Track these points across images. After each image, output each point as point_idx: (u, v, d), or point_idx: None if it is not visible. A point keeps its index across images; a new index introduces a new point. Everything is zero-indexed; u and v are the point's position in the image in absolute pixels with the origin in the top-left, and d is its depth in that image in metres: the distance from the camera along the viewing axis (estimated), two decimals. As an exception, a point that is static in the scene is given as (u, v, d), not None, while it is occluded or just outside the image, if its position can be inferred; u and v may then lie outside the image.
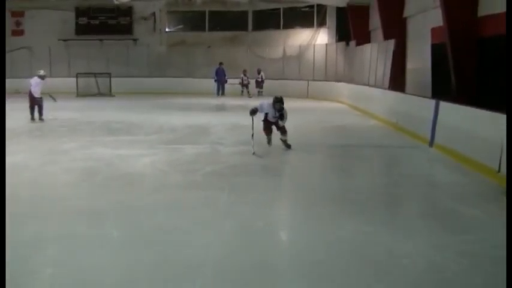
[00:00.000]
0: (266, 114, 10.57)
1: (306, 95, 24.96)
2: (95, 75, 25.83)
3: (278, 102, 10.41)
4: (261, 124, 10.66)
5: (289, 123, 10.76)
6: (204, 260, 4.99)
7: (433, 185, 8.47)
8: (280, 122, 10.58)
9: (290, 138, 10.81)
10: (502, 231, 5.98)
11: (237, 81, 25.59)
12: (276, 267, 4.99)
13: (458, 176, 8.82)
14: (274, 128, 10.81)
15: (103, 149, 10.69)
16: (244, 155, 9.81)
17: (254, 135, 10.24)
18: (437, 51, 14.37)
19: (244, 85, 25.65)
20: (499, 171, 8.31)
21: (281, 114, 10.45)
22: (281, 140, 10.84)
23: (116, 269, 4.80)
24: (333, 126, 15.21)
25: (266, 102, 10.75)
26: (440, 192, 7.96)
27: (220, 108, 21.28)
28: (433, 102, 11.63)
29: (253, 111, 10.48)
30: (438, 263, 5.06)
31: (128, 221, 6.14)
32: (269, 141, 10.96)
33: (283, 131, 10.72)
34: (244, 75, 25.64)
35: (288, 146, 10.81)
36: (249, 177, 8.35)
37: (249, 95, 25.02)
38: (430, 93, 14.71)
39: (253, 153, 9.98)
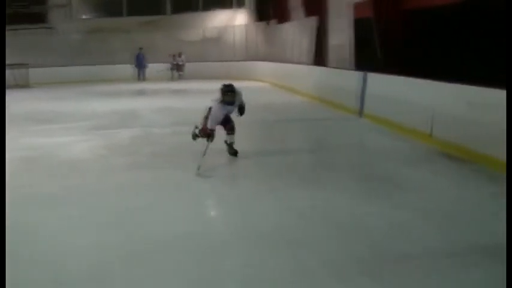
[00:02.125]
0: (210, 108, 7.70)
1: (228, 76, 24.87)
2: (10, 66, 24.72)
3: (229, 92, 7.62)
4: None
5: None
6: (169, 235, 4.96)
7: (371, 151, 8.66)
8: (235, 115, 7.99)
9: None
10: (447, 188, 6.30)
11: (165, 66, 25.19)
12: (241, 237, 4.98)
13: (394, 141, 9.08)
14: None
15: (37, 138, 10.25)
16: (180, 135, 9.67)
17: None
18: (360, 26, 14.60)
19: (177, 67, 25.33)
20: (431, 134, 8.59)
21: (241, 107, 7.90)
22: (226, 143, 8.01)
23: (82, 251, 4.66)
24: (260, 104, 15.13)
25: (213, 106, 7.62)
26: (379, 157, 8.18)
27: (144, 93, 20.96)
28: (361, 74, 11.86)
29: (208, 135, 7.54)
30: (397, 220, 5.26)
31: (84, 204, 5.98)
32: (195, 136, 8.16)
33: (230, 129, 7.92)
34: (179, 56, 25.31)
35: (235, 153, 7.99)
36: (191, 155, 8.26)
37: (179, 77, 24.84)
38: (353, 68, 14.97)
39: (198, 169, 6.99)
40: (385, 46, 12.38)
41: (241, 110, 7.92)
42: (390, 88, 10.44)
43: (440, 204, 5.80)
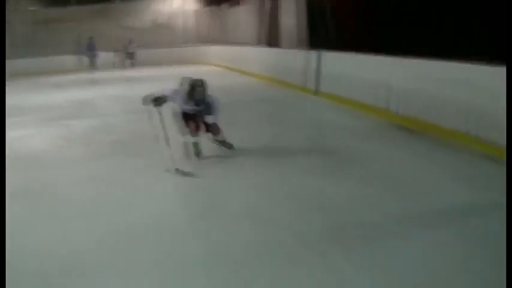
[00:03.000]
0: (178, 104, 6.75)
1: (180, 61, 24.67)
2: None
3: (199, 87, 6.56)
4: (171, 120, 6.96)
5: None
6: (136, 222, 4.91)
7: (328, 127, 8.67)
8: (209, 118, 6.78)
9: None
10: (404, 158, 6.49)
11: (118, 54, 24.76)
12: (215, 215, 4.99)
13: (351, 118, 9.17)
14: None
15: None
16: (139, 123, 9.49)
17: (170, 138, 6.58)
18: (312, 6, 14.58)
19: (128, 54, 24.92)
20: (388, 109, 8.69)
21: (208, 104, 6.70)
22: (216, 141, 7.10)
23: (64, 242, 4.59)
24: (215, 87, 14.97)
25: (173, 88, 6.70)
26: (337, 133, 8.22)
27: (97, 82, 20.52)
28: (315, 53, 11.88)
29: (157, 100, 6.45)
30: (358, 191, 5.40)
31: (57, 196, 5.84)
32: (197, 149, 6.95)
33: (214, 129, 6.92)
34: (130, 43, 24.88)
35: (230, 146, 7.13)
36: (152, 142, 8.12)
37: (131, 65, 24.47)
38: (307, 48, 14.99)
39: (177, 170, 6.23)
40: (338, 25, 12.43)
41: (208, 109, 6.69)
42: (345, 66, 10.51)
43: (398, 173, 5.97)
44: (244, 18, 19.94)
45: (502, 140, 6.22)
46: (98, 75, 22.51)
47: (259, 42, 17.56)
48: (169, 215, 5.07)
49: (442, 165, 6.21)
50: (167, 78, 17.92)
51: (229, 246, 4.28)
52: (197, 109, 6.66)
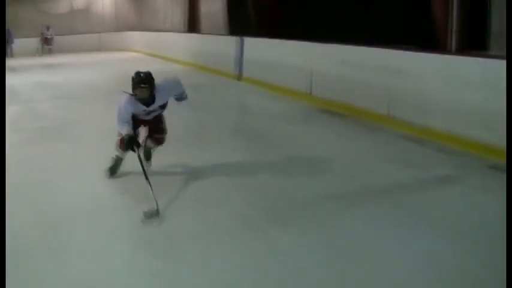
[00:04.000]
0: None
1: (100, 48, 24.17)
2: None
3: (142, 83, 4.98)
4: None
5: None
6: (75, 205, 4.82)
7: (252, 112, 8.84)
8: (182, 104, 5.56)
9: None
10: (329, 140, 6.82)
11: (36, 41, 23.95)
12: (141, 199, 4.92)
13: (274, 102, 9.35)
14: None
15: None
16: (62, 109, 9.39)
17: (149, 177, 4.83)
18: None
19: (46, 40, 24.10)
20: (310, 93, 8.99)
21: (179, 99, 5.51)
22: (147, 147, 5.53)
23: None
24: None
25: (122, 103, 5.04)
26: (262, 117, 8.37)
27: (15, 69, 19.70)
28: (237, 39, 12.02)
29: (129, 142, 4.97)
30: (287, 172, 5.55)
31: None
32: (116, 165, 5.50)
33: (158, 140, 5.46)
34: (47, 29, 24.06)
35: (149, 156, 5.57)
36: (79, 128, 8.05)
37: (49, 52, 23.72)
38: (227, 33, 15.08)
39: (157, 213, 4.41)
40: (259, 10, 12.55)
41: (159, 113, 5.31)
42: (267, 51, 10.67)
43: (324, 153, 6.19)
44: (163, 3, 19.79)
45: (419, 120, 6.66)
46: (15, 62, 21.68)
47: (179, 28, 17.50)
48: (107, 199, 5.01)
49: (366, 145, 6.47)
50: (87, 65, 17.64)
51: (165, 225, 4.29)
52: (143, 111, 5.14)
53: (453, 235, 4.00)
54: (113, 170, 5.49)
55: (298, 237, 4.01)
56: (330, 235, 4.05)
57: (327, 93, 8.57)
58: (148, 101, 5.07)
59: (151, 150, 5.58)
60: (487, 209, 4.55)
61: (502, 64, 5.60)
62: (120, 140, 5.19)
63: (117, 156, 5.45)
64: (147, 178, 4.66)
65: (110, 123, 5.36)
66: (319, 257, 3.73)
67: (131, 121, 5.03)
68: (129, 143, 4.96)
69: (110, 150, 5.45)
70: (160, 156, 5.65)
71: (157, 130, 5.42)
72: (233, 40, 12.23)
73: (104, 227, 4.39)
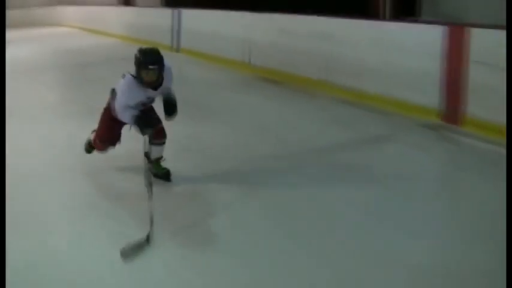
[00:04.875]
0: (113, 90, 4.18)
1: (32, 23, 23.31)
2: None
3: (151, 64, 3.85)
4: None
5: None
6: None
7: (191, 83, 8.64)
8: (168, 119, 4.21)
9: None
10: (269, 107, 6.93)
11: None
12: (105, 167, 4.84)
13: (214, 73, 9.33)
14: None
15: None
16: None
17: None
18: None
19: None
20: (249, 63, 9.04)
21: (169, 99, 4.21)
22: (146, 157, 3.94)
23: None
24: (70, 49, 14.31)
25: (123, 88, 4.02)
26: (201, 87, 8.34)
27: None
28: (174, 11, 11.90)
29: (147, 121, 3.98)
30: (231, 136, 5.67)
31: None
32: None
33: (157, 134, 4.20)
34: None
35: (166, 175, 4.41)
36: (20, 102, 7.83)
37: None
38: (163, 5, 14.88)
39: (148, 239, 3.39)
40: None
41: (170, 107, 4.17)
42: (205, 22, 10.58)
43: (265, 119, 6.30)
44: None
45: (355, 84, 6.83)
46: None
47: (114, 2, 17.13)
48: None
49: (305, 110, 6.60)
50: (19, 40, 17.03)
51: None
52: (149, 96, 4.09)
53: (390, 188, 4.19)
54: (88, 150, 4.67)
55: (245, 198, 4.07)
56: (277, 194, 4.14)
57: (265, 62, 8.63)
58: (155, 85, 3.99)
59: (156, 155, 4.28)
60: (421, 164, 4.80)
61: (433, 29, 5.86)
62: (100, 145, 4.39)
63: (89, 144, 4.65)
64: (150, 194, 3.59)
65: (47, 97, 5.15)
66: (268, 214, 3.82)
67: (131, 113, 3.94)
68: (142, 122, 3.89)
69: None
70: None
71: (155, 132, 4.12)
72: (169, 12, 12.10)
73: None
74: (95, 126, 4.46)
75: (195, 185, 4.37)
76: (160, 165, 4.42)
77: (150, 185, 3.65)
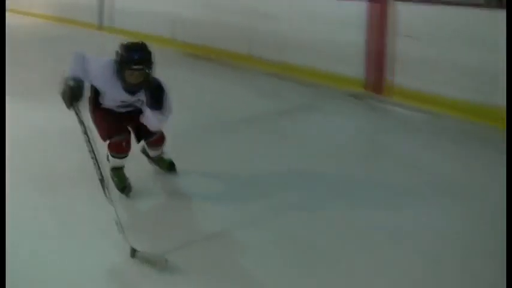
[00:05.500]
0: (95, 90, 3.37)
1: None
2: None
3: (137, 63, 3.13)
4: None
5: None
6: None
7: None
8: (150, 118, 3.34)
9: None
10: (195, 79, 6.84)
11: None
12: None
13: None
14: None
15: None
16: None
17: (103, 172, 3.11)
18: None
19: None
20: (174, 39, 8.89)
21: (157, 95, 3.30)
22: (151, 158, 3.85)
23: None
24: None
25: (91, 57, 3.30)
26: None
27: None
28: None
29: (73, 92, 3.08)
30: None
31: None
32: (122, 180, 3.53)
33: (157, 140, 3.66)
34: None
35: (171, 167, 3.82)
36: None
37: None
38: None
39: (121, 231, 2.79)
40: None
41: (157, 103, 3.29)
42: (130, 0, 10.37)
43: (194, 92, 6.21)
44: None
45: (280, 57, 6.84)
46: None
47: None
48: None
49: (232, 83, 6.56)
50: None
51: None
52: (131, 102, 3.36)
53: (316, 151, 4.33)
54: (123, 185, 3.50)
55: (181, 163, 3.99)
56: (209, 157, 4.19)
57: (190, 38, 8.50)
58: (136, 88, 3.22)
59: (163, 156, 3.83)
60: (345, 129, 5.00)
61: (358, 2, 5.93)
62: (112, 142, 3.42)
63: (114, 169, 3.55)
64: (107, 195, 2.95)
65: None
66: (199, 175, 3.85)
67: (104, 85, 3.27)
68: (70, 93, 3.08)
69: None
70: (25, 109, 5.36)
71: (147, 131, 3.49)
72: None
73: None
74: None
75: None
76: (162, 159, 3.81)
77: (101, 181, 2.99)
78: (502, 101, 4.54)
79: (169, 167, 3.79)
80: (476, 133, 4.72)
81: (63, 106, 3.14)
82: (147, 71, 3.18)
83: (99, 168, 3.01)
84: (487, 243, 2.92)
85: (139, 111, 3.38)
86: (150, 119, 3.31)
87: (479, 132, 4.72)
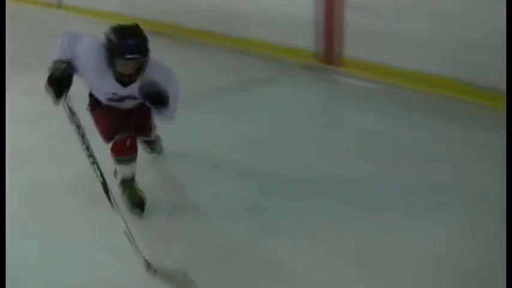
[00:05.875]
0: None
1: None
2: None
3: (131, 52, 2.71)
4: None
5: None
6: None
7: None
8: (157, 118, 3.11)
9: None
10: (158, 56, 6.81)
11: None
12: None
13: (95, 27, 8.92)
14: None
15: None
16: None
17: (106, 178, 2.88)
18: None
19: None
20: (134, 15, 8.87)
21: (154, 94, 2.85)
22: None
23: None
24: None
25: (84, 38, 2.94)
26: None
27: None
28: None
29: (61, 74, 2.65)
30: None
31: None
32: (134, 194, 3.17)
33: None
34: None
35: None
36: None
37: None
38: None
39: (132, 242, 2.64)
40: None
41: (158, 101, 2.89)
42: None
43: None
44: None
45: (238, 32, 6.98)
46: None
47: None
48: None
49: (192, 59, 6.71)
50: None
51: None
52: (124, 95, 2.93)
53: (272, 124, 4.55)
54: (135, 201, 3.10)
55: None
56: (168, 133, 4.21)
57: (150, 14, 8.51)
58: (129, 78, 2.79)
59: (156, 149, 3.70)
60: (299, 101, 5.22)
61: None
62: (115, 143, 2.99)
63: (123, 182, 3.14)
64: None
65: None
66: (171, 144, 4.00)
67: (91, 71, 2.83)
68: (57, 82, 2.64)
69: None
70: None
71: (143, 129, 3.22)
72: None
73: None
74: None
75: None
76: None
77: (104, 184, 2.71)
78: (451, 70, 4.84)
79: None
80: (427, 102, 4.99)
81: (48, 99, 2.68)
82: (142, 59, 2.74)
83: (99, 170, 2.68)
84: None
85: (141, 108, 3.04)
86: (157, 118, 3.03)
87: (430, 101, 4.99)
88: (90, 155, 2.71)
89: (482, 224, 2.85)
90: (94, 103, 3.04)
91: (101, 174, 2.69)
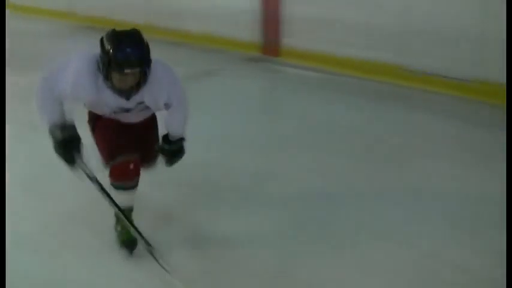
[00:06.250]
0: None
1: None
2: None
3: (130, 65, 2.18)
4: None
5: None
6: None
7: (21, 35, 8.26)
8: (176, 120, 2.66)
9: None
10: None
11: None
12: None
13: (39, 24, 8.93)
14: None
15: None
16: None
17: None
18: None
19: None
20: (73, 12, 8.75)
21: (172, 152, 2.64)
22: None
23: None
24: None
25: (63, 67, 2.37)
26: (31, 38, 7.89)
27: None
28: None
29: (67, 140, 2.34)
30: None
31: None
32: (124, 233, 2.57)
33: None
34: None
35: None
36: None
37: None
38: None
39: (158, 257, 2.29)
40: None
41: (171, 151, 2.63)
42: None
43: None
44: None
45: (177, 25, 6.99)
46: None
47: None
48: None
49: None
50: None
51: None
52: (130, 107, 2.44)
53: (219, 115, 4.55)
54: (125, 238, 2.59)
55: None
56: None
57: (89, 11, 8.41)
58: (129, 92, 2.33)
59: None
60: (246, 91, 5.23)
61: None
62: (115, 165, 2.48)
63: (122, 228, 2.61)
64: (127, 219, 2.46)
65: None
66: None
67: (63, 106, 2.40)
68: (65, 147, 2.36)
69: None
70: None
71: (146, 155, 2.63)
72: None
73: None
74: None
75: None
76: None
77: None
78: (392, 57, 5.01)
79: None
80: (368, 88, 5.11)
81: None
82: (144, 70, 2.27)
83: (129, 221, 2.42)
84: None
85: (147, 121, 2.65)
86: (169, 122, 2.62)
87: (370, 87, 5.11)
88: (114, 205, 2.40)
89: (482, 224, 2.79)
90: (95, 123, 2.58)
91: (133, 226, 2.41)
